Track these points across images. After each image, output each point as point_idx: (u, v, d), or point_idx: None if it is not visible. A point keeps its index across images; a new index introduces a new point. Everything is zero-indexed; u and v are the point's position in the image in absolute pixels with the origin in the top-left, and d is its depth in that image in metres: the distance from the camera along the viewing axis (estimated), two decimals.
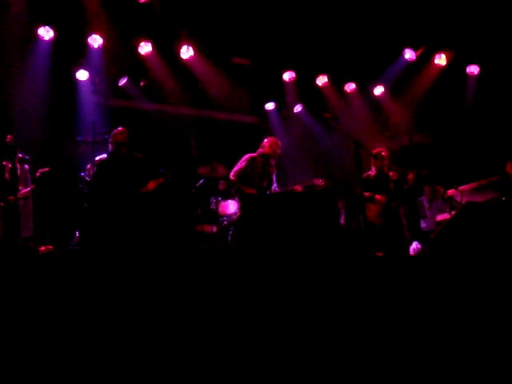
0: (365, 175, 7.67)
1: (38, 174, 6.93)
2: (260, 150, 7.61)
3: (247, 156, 7.53)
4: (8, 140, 6.65)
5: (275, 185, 7.65)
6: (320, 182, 7.52)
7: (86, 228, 5.92)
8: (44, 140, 8.41)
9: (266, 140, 7.69)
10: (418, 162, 7.77)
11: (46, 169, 6.96)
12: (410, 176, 7.50)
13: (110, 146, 6.89)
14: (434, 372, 3.56)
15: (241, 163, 7.48)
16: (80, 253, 5.83)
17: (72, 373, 3.19)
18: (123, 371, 3.28)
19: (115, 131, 6.93)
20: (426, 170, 8.17)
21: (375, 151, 7.89)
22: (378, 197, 7.57)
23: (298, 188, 7.43)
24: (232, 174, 7.46)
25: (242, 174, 7.41)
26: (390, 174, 7.83)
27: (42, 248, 6.18)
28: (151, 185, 6.61)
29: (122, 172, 6.68)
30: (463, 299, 4.18)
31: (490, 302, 4.15)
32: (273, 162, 7.61)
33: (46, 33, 8.18)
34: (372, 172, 7.89)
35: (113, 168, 6.72)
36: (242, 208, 7.38)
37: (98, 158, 7.56)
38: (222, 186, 8.77)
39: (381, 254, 6.79)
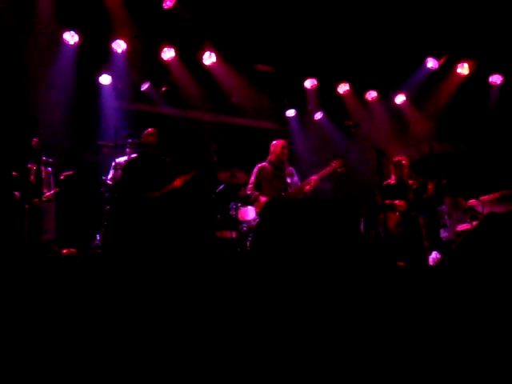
0: (385, 183, 7.65)
1: (62, 177, 7.00)
2: (269, 157, 7.66)
3: (256, 167, 7.63)
4: (34, 143, 6.74)
5: (298, 183, 7.62)
6: (336, 163, 7.47)
7: (108, 231, 5.98)
8: (67, 143, 8.48)
9: (272, 144, 7.76)
10: (438, 171, 7.72)
11: (70, 172, 7.02)
12: (430, 186, 7.48)
13: (141, 147, 6.99)
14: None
15: (252, 176, 7.57)
16: (102, 256, 5.88)
17: (90, 374, 3.22)
18: (140, 373, 3.30)
19: (145, 132, 6.99)
20: (446, 179, 8.12)
21: (396, 159, 7.88)
22: (397, 202, 7.52)
23: (314, 178, 7.38)
24: (247, 189, 7.55)
25: (255, 185, 7.49)
26: (410, 182, 7.79)
27: (65, 251, 6.23)
28: (178, 182, 6.65)
29: (150, 173, 6.75)
30: (483, 310, 4.16)
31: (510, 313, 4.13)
32: (283, 165, 7.60)
33: (71, 37, 8.27)
34: (392, 180, 7.86)
35: (141, 168, 6.79)
36: (261, 214, 7.39)
37: (117, 160, 7.63)
38: (241, 192, 8.79)
39: (402, 264, 6.77)
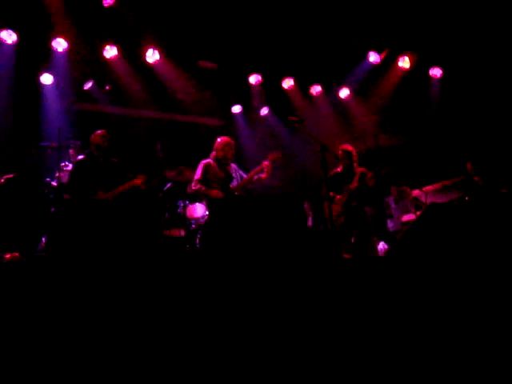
0: (332, 172, 7.71)
1: (2, 180, 6.85)
2: (213, 154, 7.57)
3: (201, 163, 7.51)
4: None
5: (243, 176, 7.62)
6: (273, 155, 7.47)
7: (53, 234, 5.87)
8: (9, 146, 8.29)
9: (217, 142, 7.62)
10: (382, 163, 7.79)
11: (11, 175, 6.88)
12: (369, 175, 7.48)
13: (90, 147, 6.91)
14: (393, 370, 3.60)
15: (197, 172, 7.47)
16: (47, 259, 5.77)
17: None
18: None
19: (96, 133, 6.92)
20: (385, 168, 8.20)
21: (342, 147, 7.86)
22: (337, 197, 7.57)
23: (266, 163, 7.36)
24: (193, 184, 7.45)
25: (201, 181, 7.41)
26: (359, 170, 7.76)
27: (8, 255, 6.10)
28: (139, 180, 6.69)
29: (100, 174, 6.69)
30: (428, 299, 4.25)
31: (454, 301, 4.23)
32: (227, 161, 7.56)
33: (8, 36, 8.05)
34: (339, 169, 7.86)
35: (89, 169, 6.73)
36: (208, 212, 7.37)
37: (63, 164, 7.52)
38: (189, 189, 8.75)
39: (348, 256, 6.86)
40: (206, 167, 7.47)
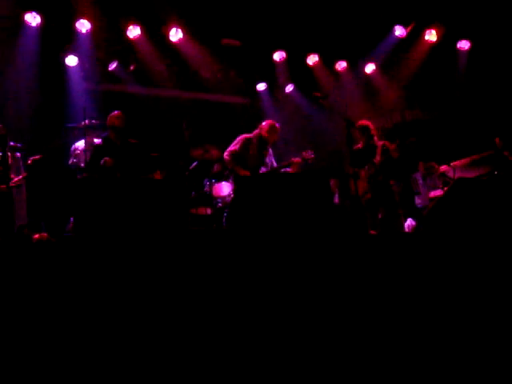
0: (354, 148, 7.65)
1: (29, 161, 6.92)
2: (256, 132, 7.57)
3: (242, 137, 7.52)
4: None
5: (274, 164, 7.64)
6: (308, 154, 7.47)
7: (80, 214, 5.92)
8: (35, 127, 8.36)
9: (264, 123, 7.62)
10: (402, 139, 7.69)
11: (37, 156, 6.94)
12: (392, 146, 7.40)
13: (106, 130, 6.93)
14: (429, 357, 3.58)
15: (235, 144, 7.48)
16: (75, 239, 5.83)
17: (66, 364, 3.21)
18: (119, 362, 3.30)
19: (111, 115, 6.95)
20: (411, 139, 8.08)
21: (359, 124, 7.78)
22: (363, 173, 7.51)
23: (297, 160, 7.36)
24: (226, 153, 7.47)
25: (235, 154, 7.41)
26: (380, 144, 7.67)
27: (36, 236, 6.17)
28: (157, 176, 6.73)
29: (118, 157, 6.70)
30: (455, 276, 4.20)
31: (482, 279, 4.18)
32: (268, 145, 7.59)
33: (32, 19, 8.07)
34: (360, 145, 7.80)
35: (108, 153, 6.74)
36: (235, 190, 7.38)
37: (76, 144, 7.58)
38: (215, 168, 8.76)
39: (374, 233, 6.81)
40: (246, 143, 7.46)
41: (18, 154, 7.17)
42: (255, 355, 3.41)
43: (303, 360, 3.40)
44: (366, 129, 7.66)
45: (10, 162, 6.68)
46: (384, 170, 7.43)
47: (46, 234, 6.20)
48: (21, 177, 6.99)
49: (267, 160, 7.59)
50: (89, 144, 7.17)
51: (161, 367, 3.25)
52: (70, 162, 7.57)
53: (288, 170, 7.43)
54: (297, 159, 7.39)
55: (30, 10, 8.03)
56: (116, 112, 6.94)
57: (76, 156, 7.53)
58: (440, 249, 4.57)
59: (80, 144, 7.55)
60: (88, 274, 3.75)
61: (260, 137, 7.51)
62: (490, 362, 3.37)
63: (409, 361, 3.45)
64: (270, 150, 7.69)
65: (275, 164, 7.65)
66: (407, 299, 3.99)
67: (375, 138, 7.66)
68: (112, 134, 6.93)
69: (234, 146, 7.46)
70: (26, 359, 3.15)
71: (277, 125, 7.63)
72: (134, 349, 3.31)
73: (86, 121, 7.14)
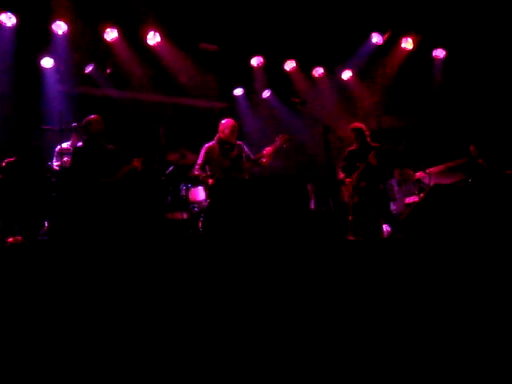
0: (348, 150, 7.72)
1: (3, 163, 6.83)
2: (217, 136, 7.57)
3: (203, 147, 7.51)
4: None
5: (251, 157, 7.60)
6: (281, 138, 7.44)
7: (55, 217, 5.87)
8: (9, 129, 8.26)
9: (221, 123, 7.59)
10: (379, 147, 7.75)
11: (12, 158, 6.86)
12: (371, 154, 7.47)
13: (85, 134, 6.86)
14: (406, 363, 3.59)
15: (200, 156, 7.47)
16: (49, 243, 5.78)
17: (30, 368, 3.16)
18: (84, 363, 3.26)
19: (92, 119, 6.86)
20: (391, 146, 8.13)
21: (351, 127, 7.84)
22: (347, 180, 7.57)
23: (268, 149, 7.33)
24: (195, 170, 7.46)
25: (203, 166, 7.41)
26: (373, 145, 7.70)
27: (10, 239, 6.10)
28: (136, 162, 6.64)
29: (96, 162, 6.65)
30: (431, 282, 4.23)
31: (457, 284, 4.21)
32: (231, 144, 7.52)
33: (8, 19, 7.99)
34: (354, 147, 7.84)
35: (88, 157, 6.68)
36: (210, 195, 7.35)
37: (63, 145, 7.49)
38: (190, 173, 8.72)
39: (352, 238, 6.84)
40: (208, 151, 7.45)
41: None
42: (225, 361, 3.39)
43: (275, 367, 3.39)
44: (360, 131, 7.72)
45: None
46: (366, 176, 7.48)
47: (20, 238, 6.12)
48: None
49: (236, 157, 7.51)
50: (73, 146, 7.11)
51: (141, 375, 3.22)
52: (57, 162, 7.45)
53: (262, 160, 7.37)
54: (268, 148, 7.36)
55: (5, 10, 7.94)
56: (96, 116, 6.86)
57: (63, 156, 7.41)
58: (417, 254, 4.61)
59: (66, 144, 7.48)
60: (64, 277, 3.70)
61: (220, 139, 7.49)
62: (472, 368, 3.39)
63: (385, 367, 3.45)
64: (240, 143, 7.62)
65: (252, 156, 7.59)
66: (385, 304, 4.00)
67: (368, 139, 7.72)
68: (91, 138, 6.85)
69: (199, 159, 7.46)
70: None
71: (231, 122, 7.57)
72: (111, 354, 3.27)
73: (64, 122, 7.05)
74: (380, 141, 7.92)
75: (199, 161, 7.46)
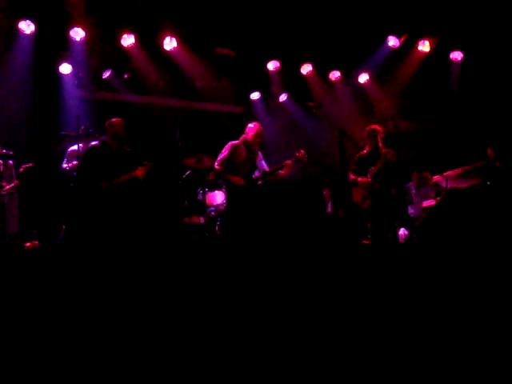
0: (358, 155, 7.68)
1: (21, 169, 6.90)
2: (243, 137, 7.61)
3: (230, 144, 7.54)
4: None
5: (265, 168, 7.64)
6: (299, 154, 7.46)
7: (72, 222, 5.92)
8: (28, 135, 8.36)
9: (249, 126, 7.68)
10: (400, 148, 7.71)
11: (30, 164, 6.93)
12: (391, 152, 7.42)
13: (106, 134, 6.90)
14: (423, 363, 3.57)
15: (224, 151, 7.49)
16: (66, 248, 5.82)
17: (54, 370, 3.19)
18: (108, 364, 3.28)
19: (114, 121, 6.89)
20: (411, 153, 8.10)
21: (369, 128, 7.81)
22: (360, 180, 7.51)
23: (288, 162, 7.36)
24: (216, 163, 7.48)
25: (226, 162, 7.41)
26: (383, 151, 7.66)
27: (28, 244, 6.16)
28: (139, 171, 6.62)
29: (112, 164, 6.67)
30: (448, 285, 4.21)
31: (475, 287, 4.18)
32: (255, 148, 7.60)
33: (26, 27, 8.08)
34: (365, 150, 7.80)
35: (104, 158, 6.70)
36: (228, 199, 7.38)
37: (71, 148, 7.56)
38: (208, 177, 8.76)
39: (367, 242, 6.81)
40: (234, 149, 7.47)
41: (11, 161, 7.16)
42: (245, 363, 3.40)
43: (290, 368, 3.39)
44: (375, 132, 7.66)
45: (1, 169, 6.66)
46: (381, 178, 7.42)
47: (37, 243, 6.18)
48: (13, 184, 6.97)
49: (258, 164, 7.59)
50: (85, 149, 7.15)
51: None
52: (67, 165, 7.52)
53: (281, 172, 7.41)
54: (288, 161, 7.39)
55: (24, 17, 8.04)
56: (119, 120, 6.89)
57: (72, 159, 7.47)
58: (433, 258, 4.58)
59: (75, 147, 7.54)
60: (79, 282, 3.73)
61: (246, 141, 7.53)
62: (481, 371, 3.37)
63: (398, 370, 3.44)
64: (261, 155, 7.70)
65: (267, 168, 7.65)
66: (400, 309, 3.98)
67: (380, 144, 7.66)
68: (112, 140, 6.87)
69: (222, 154, 7.48)
70: (16, 367, 3.13)
71: (256, 127, 7.65)
72: (123, 359, 3.29)
73: (82, 128, 7.09)
74: (397, 145, 7.88)
75: (223, 155, 7.45)
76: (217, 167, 7.45)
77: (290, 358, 3.46)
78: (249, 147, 7.54)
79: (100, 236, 5.66)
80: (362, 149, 7.75)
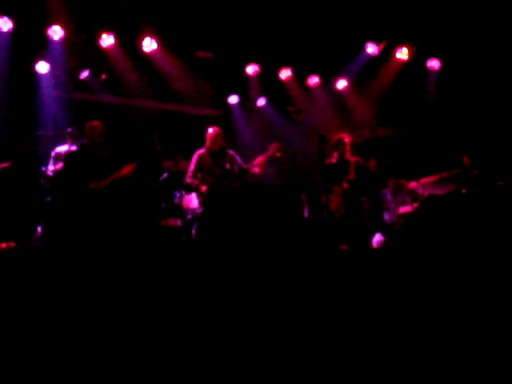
0: (326, 163, 7.70)
1: None
2: (206, 145, 7.64)
3: (195, 154, 7.57)
4: None
5: (243, 166, 7.62)
6: (274, 147, 7.45)
7: (49, 223, 5.84)
8: (4, 135, 8.24)
9: (207, 132, 7.68)
10: (380, 155, 7.78)
11: (7, 164, 6.84)
12: (372, 162, 7.49)
13: (84, 137, 6.84)
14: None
15: (191, 164, 7.51)
16: (43, 249, 5.75)
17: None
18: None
19: (95, 124, 6.85)
20: (388, 158, 8.17)
21: (336, 137, 7.86)
22: (336, 188, 7.56)
23: (261, 159, 7.35)
24: (187, 177, 7.49)
25: (195, 173, 7.44)
26: (352, 160, 7.76)
27: (4, 245, 6.07)
28: (126, 169, 6.61)
29: (88, 168, 6.63)
30: (424, 291, 4.24)
31: (451, 294, 4.22)
32: (219, 151, 7.56)
33: (4, 24, 7.99)
34: (333, 159, 7.86)
35: (82, 162, 6.66)
36: (205, 202, 7.35)
37: (57, 150, 7.49)
38: (184, 181, 8.73)
39: (345, 247, 6.84)
40: (199, 158, 7.49)
41: None
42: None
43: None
44: (340, 142, 7.73)
45: None
46: (358, 187, 7.49)
47: (13, 244, 6.10)
48: None
49: (228, 166, 7.56)
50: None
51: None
52: (53, 167, 7.43)
53: (255, 170, 7.40)
54: (260, 157, 7.39)
55: (2, 14, 7.94)
56: (98, 125, 6.85)
57: (58, 161, 7.40)
58: (412, 264, 4.61)
59: (63, 149, 7.46)
60: (57, 283, 3.69)
61: (208, 148, 7.54)
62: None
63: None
64: (231, 152, 7.67)
65: (244, 166, 7.62)
66: (376, 314, 4.00)
67: (348, 153, 7.72)
68: (88, 144, 6.83)
69: (190, 167, 7.50)
70: None
71: (213, 131, 7.65)
72: (103, 360, 3.26)
73: (69, 129, 7.03)
74: (373, 151, 7.95)
75: (191, 168, 7.49)
76: (188, 181, 7.46)
77: (261, 361, 3.46)
78: (212, 152, 7.52)
79: (77, 237, 5.60)
80: (330, 157, 7.80)
